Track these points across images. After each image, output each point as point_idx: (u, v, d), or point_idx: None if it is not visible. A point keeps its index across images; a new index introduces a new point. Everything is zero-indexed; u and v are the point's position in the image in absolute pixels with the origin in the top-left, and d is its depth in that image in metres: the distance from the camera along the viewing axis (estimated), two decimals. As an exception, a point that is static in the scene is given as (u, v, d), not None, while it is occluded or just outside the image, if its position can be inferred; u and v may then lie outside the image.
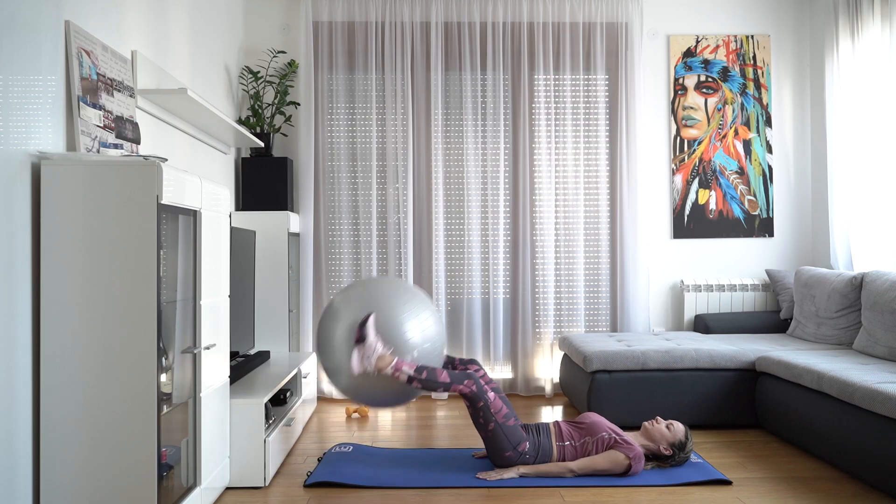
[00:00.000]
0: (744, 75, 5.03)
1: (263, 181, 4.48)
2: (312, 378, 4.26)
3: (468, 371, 3.14)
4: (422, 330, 3.14)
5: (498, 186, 4.81)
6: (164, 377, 2.37)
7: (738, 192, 5.02)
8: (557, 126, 4.88)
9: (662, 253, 5.02)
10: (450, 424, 4.11)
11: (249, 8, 4.86)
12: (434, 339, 3.18)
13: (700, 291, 4.92)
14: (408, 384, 3.05)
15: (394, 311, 3.11)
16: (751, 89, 5.03)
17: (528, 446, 3.08)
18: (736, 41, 5.03)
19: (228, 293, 2.95)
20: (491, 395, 3.09)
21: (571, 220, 4.87)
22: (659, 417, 3.26)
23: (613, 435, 3.13)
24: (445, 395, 4.78)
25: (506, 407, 3.11)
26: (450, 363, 3.39)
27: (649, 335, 4.47)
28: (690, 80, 5.02)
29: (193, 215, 2.56)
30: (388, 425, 4.11)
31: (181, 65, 3.53)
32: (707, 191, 5.01)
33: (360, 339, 3.01)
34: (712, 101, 5.02)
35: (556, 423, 3.22)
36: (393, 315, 3.10)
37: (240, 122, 4.58)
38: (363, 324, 3.02)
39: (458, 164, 4.87)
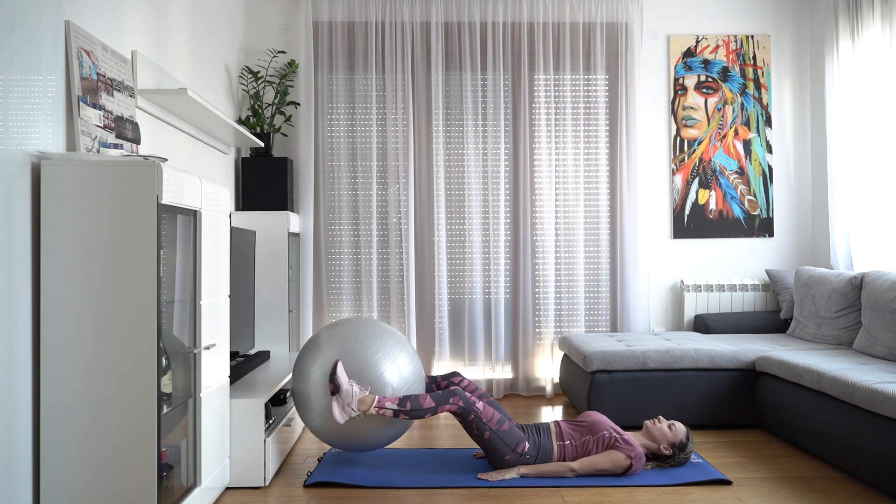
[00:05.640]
0: (744, 75, 5.03)
1: (263, 181, 4.48)
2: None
3: (452, 388, 3.10)
4: (399, 374, 3.09)
5: (498, 186, 4.81)
6: (163, 377, 2.36)
7: (738, 192, 5.02)
8: (557, 126, 4.88)
9: (662, 253, 5.02)
10: (450, 424, 4.11)
11: (249, 8, 4.86)
12: (411, 381, 3.13)
13: (700, 291, 4.92)
14: (395, 418, 3.03)
15: (365, 356, 3.05)
16: (751, 89, 5.03)
17: (527, 446, 3.07)
18: (736, 41, 5.03)
19: (228, 293, 2.95)
20: (479, 404, 3.06)
21: (571, 220, 4.87)
22: (661, 416, 3.26)
23: (614, 434, 3.12)
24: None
25: (497, 412, 3.09)
26: (433, 383, 3.37)
27: (649, 335, 4.47)
28: (690, 80, 5.02)
29: (193, 215, 2.56)
30: (388, 425, 4.11)
31: (181, 65, 3.53)
32: (707, 191, 5.01)
33: (335, 389, 2.95)
34: (712, 101, 5.02)
35: (556, 423, 3.21)
36: (366, 360, 3.05)
37: (240, 122, 4.58)
38: (333, 373, 2.96)
39: (458, 164, 4.87)
